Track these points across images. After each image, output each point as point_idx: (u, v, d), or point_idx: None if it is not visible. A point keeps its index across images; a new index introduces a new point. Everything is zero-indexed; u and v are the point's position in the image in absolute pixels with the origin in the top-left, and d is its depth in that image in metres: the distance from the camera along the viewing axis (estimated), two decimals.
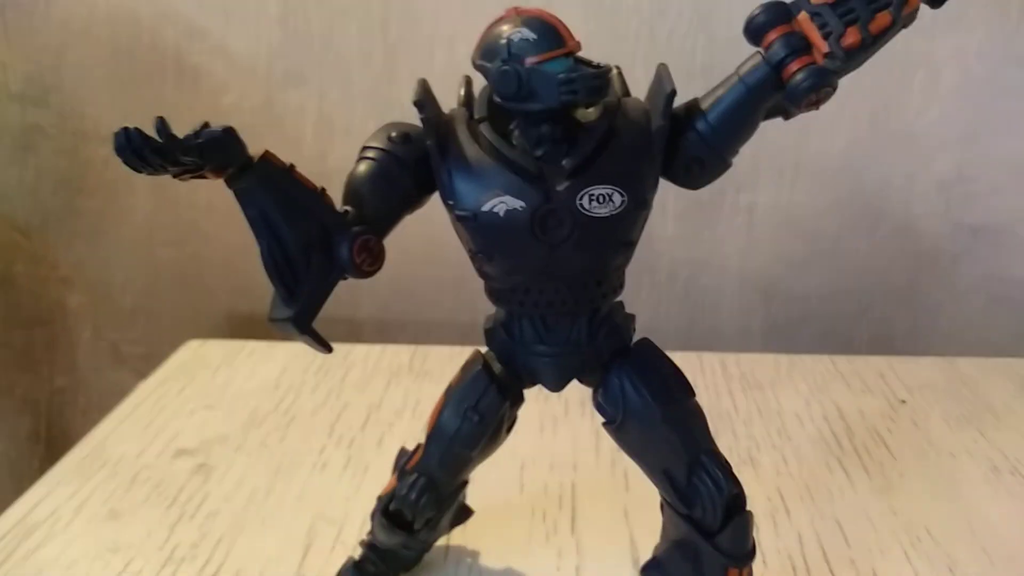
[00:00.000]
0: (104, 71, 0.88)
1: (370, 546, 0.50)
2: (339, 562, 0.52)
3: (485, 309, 0.45)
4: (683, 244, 0.91)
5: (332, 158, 0.87)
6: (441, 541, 0.54)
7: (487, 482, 0.54)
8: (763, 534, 0.55)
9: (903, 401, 0.73)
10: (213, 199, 0.92)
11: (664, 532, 0.43)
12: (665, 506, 0.42)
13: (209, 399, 0.74)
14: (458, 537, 0.55)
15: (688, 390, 0.41)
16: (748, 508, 0.41)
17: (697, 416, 0.41)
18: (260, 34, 0.85)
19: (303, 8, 0.84)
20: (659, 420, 0.40)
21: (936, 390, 0.75)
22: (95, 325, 0.99)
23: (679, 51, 0.81)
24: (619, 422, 0.41)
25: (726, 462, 0.40)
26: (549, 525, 0.57)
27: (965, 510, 0.59)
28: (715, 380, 0.76)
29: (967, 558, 0.54)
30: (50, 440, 1.02)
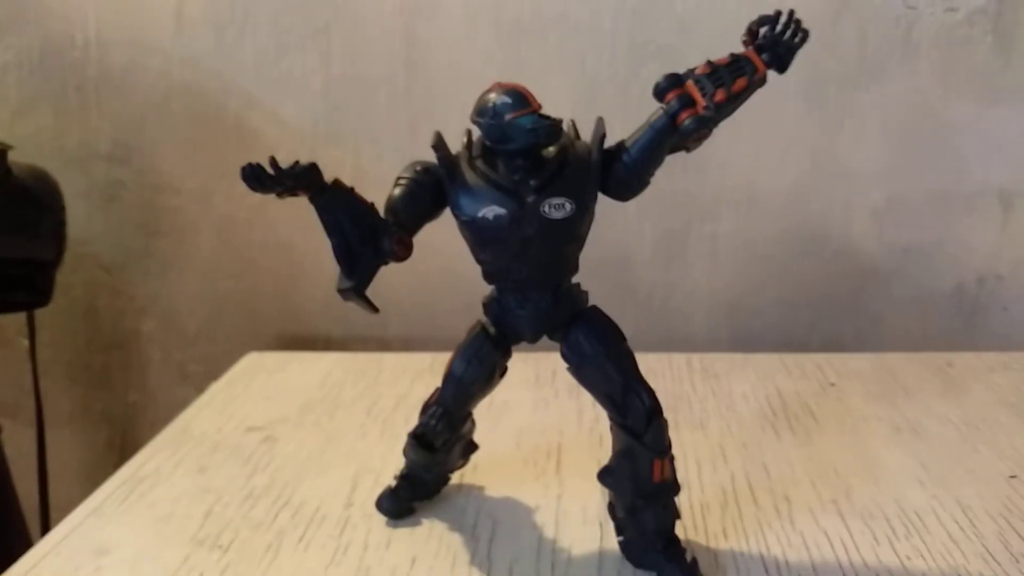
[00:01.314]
0: (177, 135, 1.07)
1: (402, 477, 0.67)
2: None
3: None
4: (658, 269, 1.08)
5: None
6: (455, 479, 0.70)
7: (491, 445, 0.71)
8: (704, 474, 0.72)
9: (832, 384, 0.89)
10: (267, 238, 1.10)
11: (613, 446, 0.59)
12: (612, 425, 0.59)
13: (269, 393, 0.91)
14: (468, 478, 0.72)
15: (622, 338, 0.58)
16: (663, 416, 0.57)
17: (628, 355, 0.57)
18: (306, 104, 1.04)
19: (341, 83, 1.03)
20: (603, 358, 0.57)
21: (862, 376, 0.91)
22: (164, 348, 1.16)
23: (631, 104, 1.00)
24: (577, 364, 0.58)
25: (648, 386, 0.57)
26: (539, 469, 0.74)
27: (865, 455, 0.74)
28: (678, 372, 0.92)
29: (860, 485, 0.70)
30: (124, 449, 1.18)
